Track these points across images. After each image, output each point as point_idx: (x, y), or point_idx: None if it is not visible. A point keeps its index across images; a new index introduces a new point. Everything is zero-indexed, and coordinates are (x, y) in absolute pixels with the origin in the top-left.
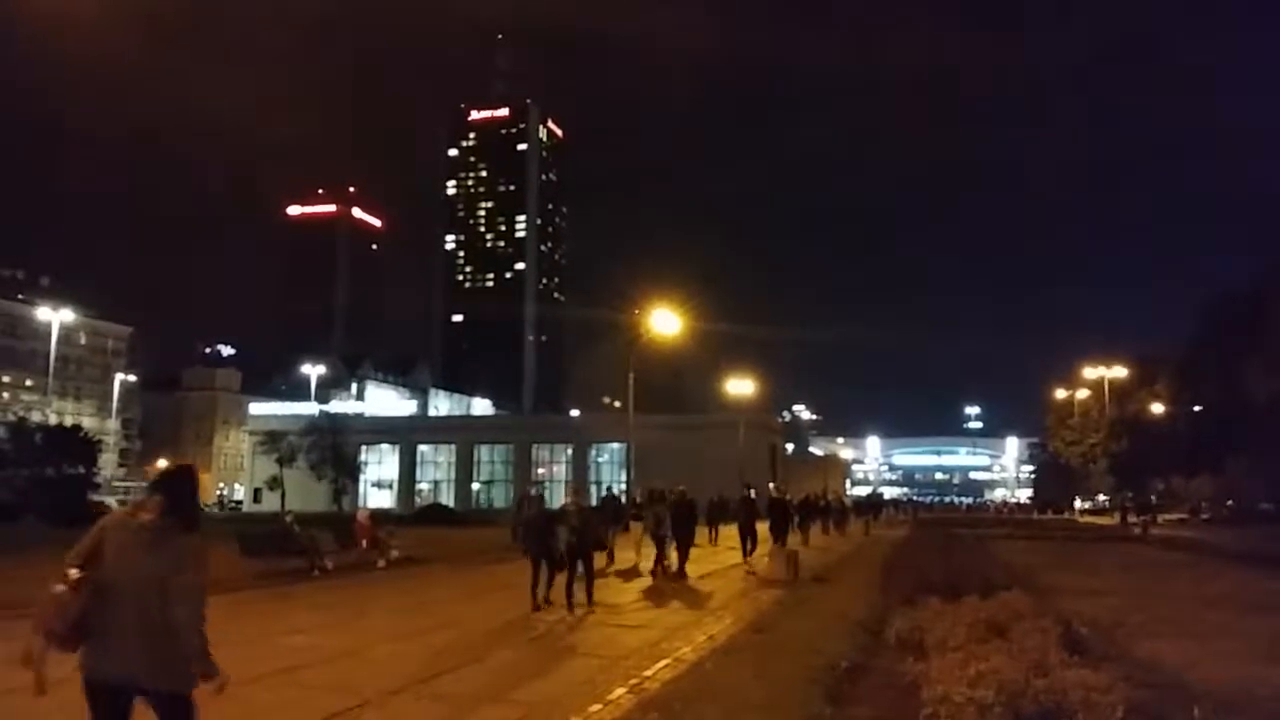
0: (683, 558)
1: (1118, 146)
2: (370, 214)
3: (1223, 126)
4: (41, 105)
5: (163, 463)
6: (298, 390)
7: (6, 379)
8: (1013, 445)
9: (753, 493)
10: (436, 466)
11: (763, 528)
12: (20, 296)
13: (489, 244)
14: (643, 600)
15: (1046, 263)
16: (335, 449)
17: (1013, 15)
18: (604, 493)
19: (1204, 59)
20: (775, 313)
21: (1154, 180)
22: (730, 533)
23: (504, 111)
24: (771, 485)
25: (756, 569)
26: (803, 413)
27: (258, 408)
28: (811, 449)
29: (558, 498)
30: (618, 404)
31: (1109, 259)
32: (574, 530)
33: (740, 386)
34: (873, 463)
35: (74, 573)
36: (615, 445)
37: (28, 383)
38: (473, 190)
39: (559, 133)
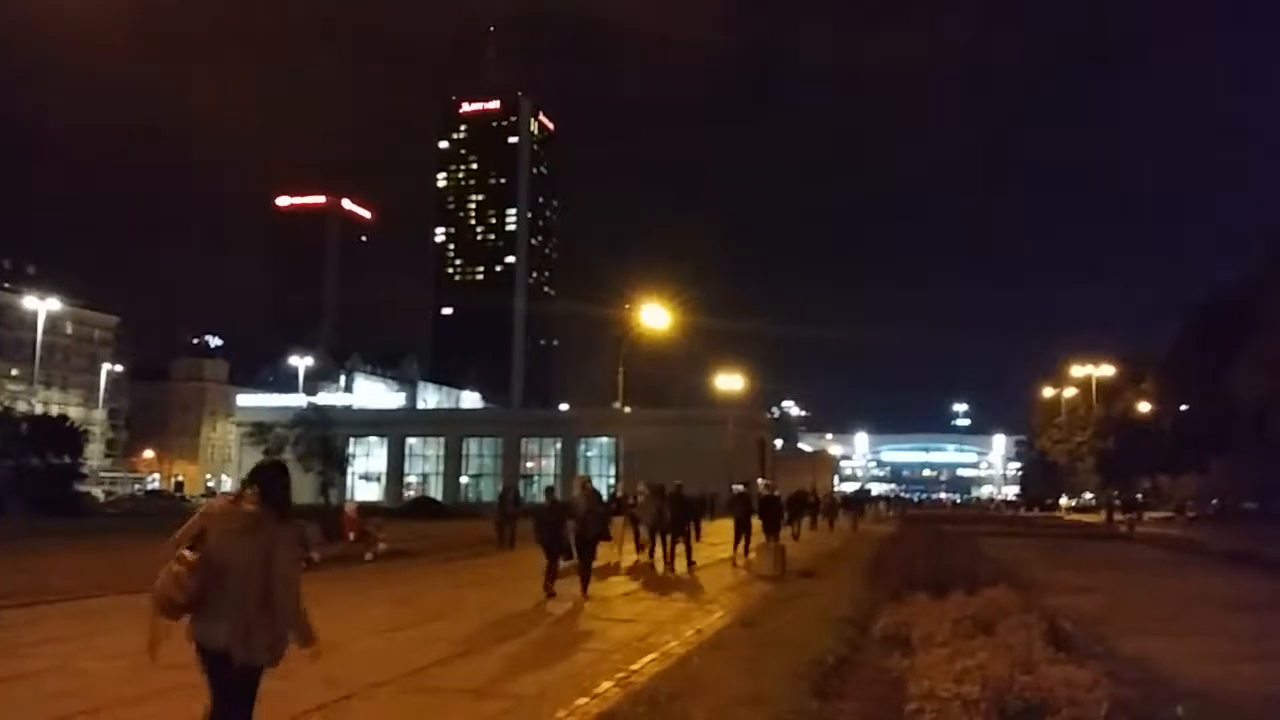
0: (686, 550)
1: (1112, 146)
2: (360, 206)
3: (1218, 126)
4: (30, 91)
5: (149, 452)
6: (286, 382)
7: None
8: (1000, 443)
9: (745, 488)
10: (425, 460)
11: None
12: (6, 285)
13: (479, 237)
14: (631, 594)
15: (1035, 261)
16: (323, 441)
17: (1013, 15)
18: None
19: (1204, 59)
20: (765, 309)
21: (1145, 180)
22: (713, 528)
23: (495, 104)
24: (761, 481)
25: (749, 564)
26: (791, 409)
27: (245, 399)
28: (800, 445)
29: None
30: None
31: (1098, 258)
32: (579, 521)
33: (729, 382)
34: (861, 459)
35: (189, 554)
36: (604, 440)
37: (13, 372)
38: (463, 183)
39: (550, 126)
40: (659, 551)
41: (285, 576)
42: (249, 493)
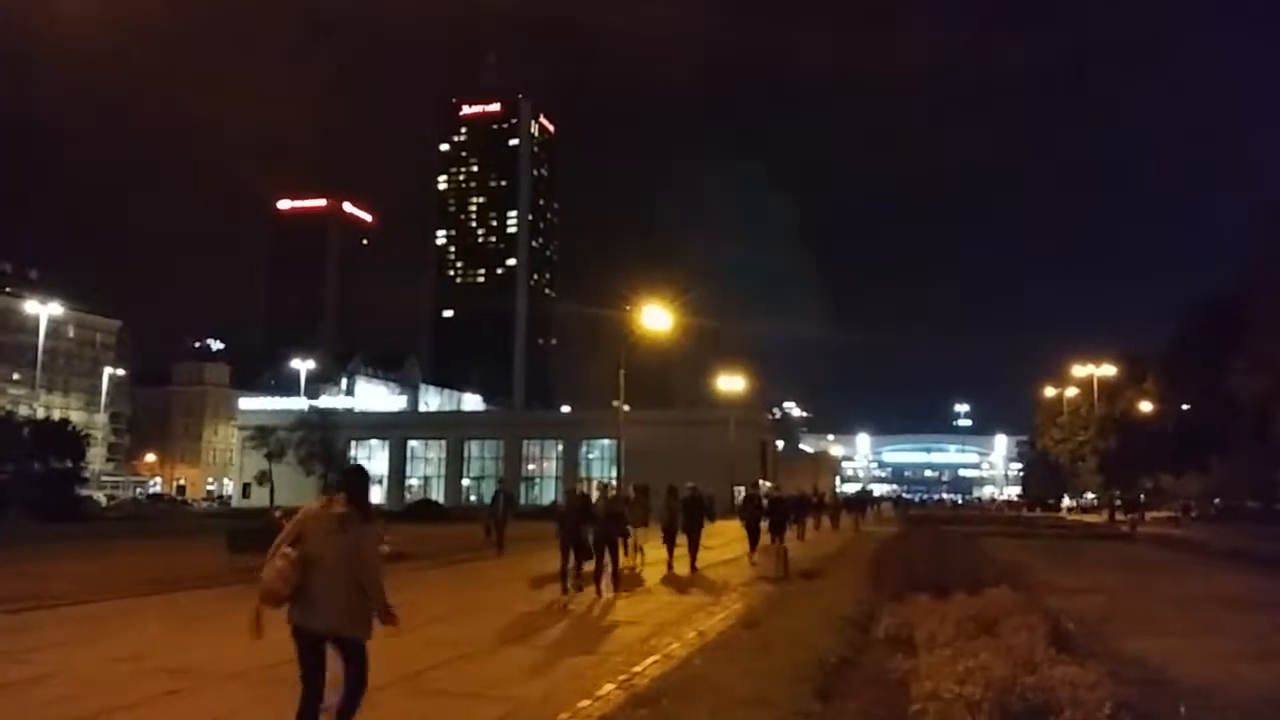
0: (693, 552)
1: (1113, 146)
2: (361, 209)
3: (1218, 126)
4: (30, 99)
5: (151, 456)
6: (287, 385)
7: None
8: (1002, 443)
9: (754, 489)
10: (427, 462)
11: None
12: (8, 289)
13: (480, 239)
14: (632, 596)
15: (1037, 261)
16: (325, 444)
17: (1013, 15)
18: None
19: (1204, 59)
20: (767, 310)
21: (1146, 180)
22: (712, 529)
23: (496, 107)
24: (764, 483)
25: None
26: (793, 410)
27: (247, 402)
28: (802, 446)
29: (548, 493)
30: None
31: (1100, 257)
32: (600, 522)
33: (731, 383)
34: (863, 460)
35: (290, 551)
36: (606, 441)
37: (15, 376)
38: (464, 185)
39: (551, 128)
40: (638, 559)
41: (370, 565)
42: (338, 496)
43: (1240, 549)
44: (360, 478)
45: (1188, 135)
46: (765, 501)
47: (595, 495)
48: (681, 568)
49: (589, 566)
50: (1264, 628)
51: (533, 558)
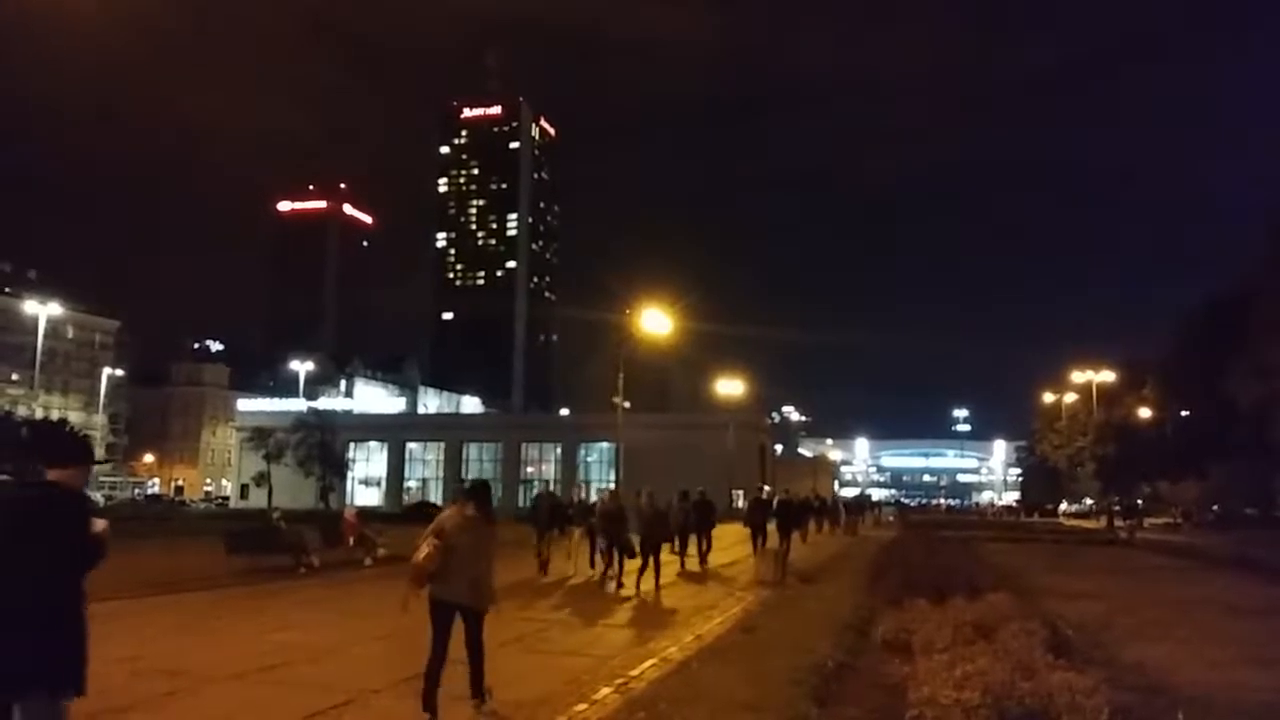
0: (701, 554)
1: (1112, 148)
2: (361, 211)
3: (1218, 129)
4: (31, 100)
5: (149, 457)
6: (286, 387)
7: None
8: (1000, 448)
9: (761, 493)
10: (425, 464)
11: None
12: (6, 289)
13: (480, 242)
14: (631, 599)
15: (1035, 266)
16: (323, 446)
17: (1013, 15)
18: (535, 492)
19: (1205, 61)
20: (767, 314)
21: (1145, 184)
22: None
23: (496, 110)
24: (763, 486)
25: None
26: (792, 414)
27: (246, 404)
28: (800, 450)
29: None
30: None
31: (1099, 262)
32: (645, 524)
33: (730, 387)
34: (861, 464)
35: (435, 541)
36: (604, 444)
37: (14, 376)
38: (464, 188)
39: (551, 131)
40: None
41: (490, 556)
42: (468, 503)
43: (1239, 555)
44: (486, 491)
45: (1187, 135)
46: (773, 504)
47: (643, 499)
48: (691, 565)
49: (631, 564)
50: (1263, 634)
51: (517, 565)
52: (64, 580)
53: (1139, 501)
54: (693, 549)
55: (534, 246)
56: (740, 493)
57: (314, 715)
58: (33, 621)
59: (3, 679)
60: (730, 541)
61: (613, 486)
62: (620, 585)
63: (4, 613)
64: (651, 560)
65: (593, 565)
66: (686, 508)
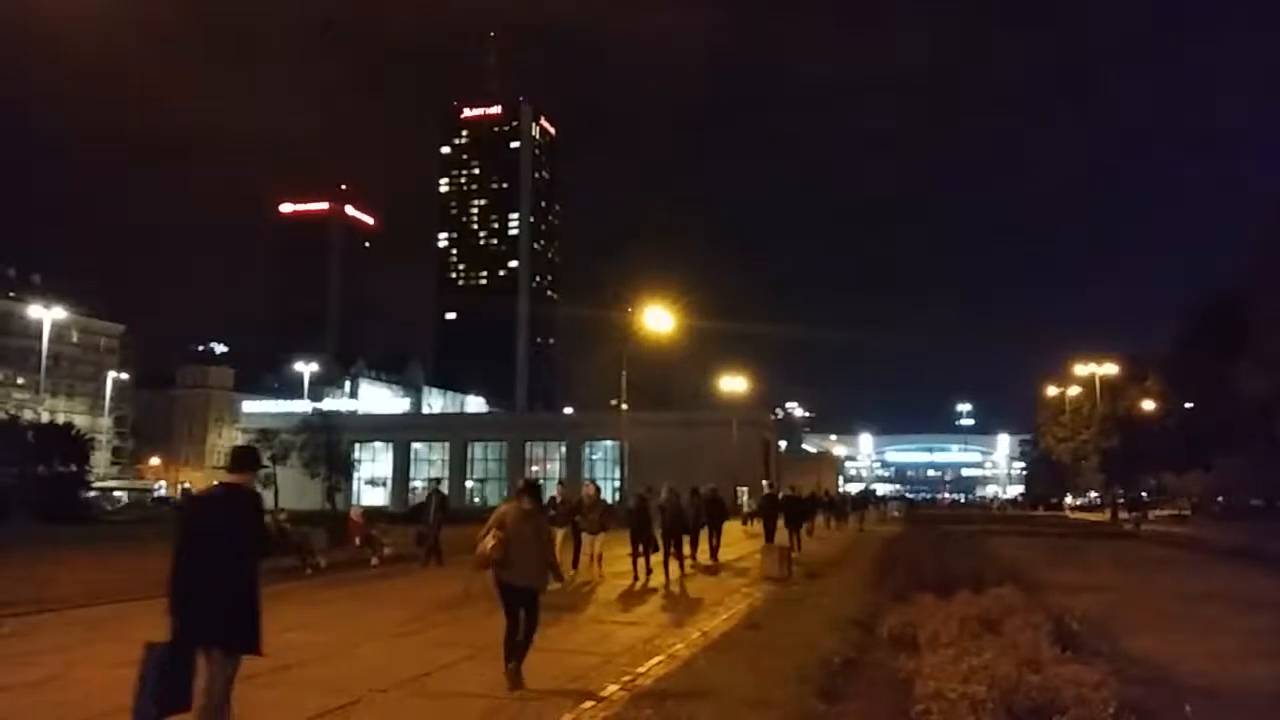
0: (712, 550)
1: (1115, 146)
2: (363, 212)
3: (1219, 126)
4: (37, 101)
5: (155, 459)
6: (291, 388)
7: None
8: (1004, 442)
9: (772, 488)
10: (430, 464)
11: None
12: (11, 294)
13: (482, 242)
14: (637, 596)
15: (1039, 260)
16: (328, 447)
17: (1013, 14)
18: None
19: (1205, 59)
20: (769, 310)
21: (1148, 178)
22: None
23: (497, 110)
24: (769, 483)
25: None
26: (796, 410)
27: (251, 405)
28: (805, 446)
29: (549, 494)
30: (612, 401)
31: (1101, 256)
32: (670, 519)
33: (734, 384)
34: (865, 460)
35: (497, 532)
36: (609, 443)
37: (19, 381)
38: (466, 188)
39: (552, 131)
40: (595, 570)
41: (547, 543)
42: (525, 499)
43: (1244, 547)
44: (537, 488)
45: (1188, 135)
46: (785, 499)
47: (663, 494)
48: (702, 558)
49: (656, 557)
50: (1269, 626)
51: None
52: (252, 560)
53: (1144, 494)
54: (704, 544)
55: (536, 246)
56: (745, 489)
57: (322, 714)
58: (233, 591)
59: (205, 633)
60: (731, 539)
61: (589, 480)
62: (650, 573)
63: (217, 581)
64: (674, 551)
65: (575, 566)
66: (698, 503)
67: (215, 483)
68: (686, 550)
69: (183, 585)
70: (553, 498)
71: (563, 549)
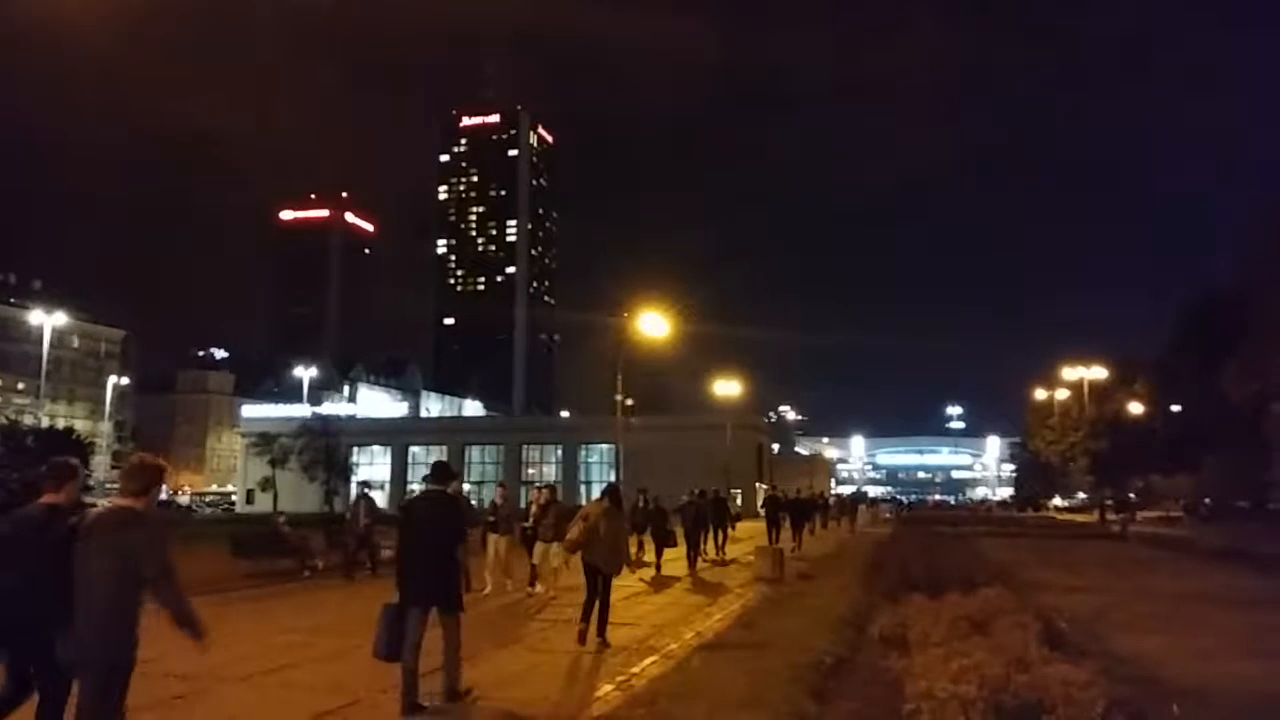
0: (721, 543)
1: (1107, 147)
2: (362, 218)
3: (1212, 128)
4: (37, 107)
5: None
6: (290, 393)
7: None
8: (994, 444)
9: (775, 490)
10: (428, 467)
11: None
12: (12, 300)
13: (480, 248)
14: (631, 597)
15: (1029, 265)
16: (327, 450)
17: (1013, 15)
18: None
19: (1202, 60)
20: (763, 315)
21: (1139, 183)
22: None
23: (495, 118)
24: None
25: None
26: (788, 413)
27: (250, 410)
28: (797, 449)
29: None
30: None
31: (1091, 261)
32: (687, 519)
33: (727, 388)
34: (857, 462)
35: (583, 524)
36: (604, 446)
37: (20, 386)
38: (464, 195)
39: (550, 139)
40: (551, 582)
41: (622, 535)
42: (605, 499)
43: (1232, 548)
44: (617, 491)
45: (1188, 135)
46: (787, 501)
47: (686, 497)
48: (707, 557)
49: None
50: (1257, 626)
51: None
52: (456, 546)
53: (1132, 496)
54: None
55: (533, 252)
56: (738, 492)
57: (322, 715)
58: (446, 569)
59: (432, 597)
60: (734, 537)
61: (547, 485)
62: (657, 569)
63: (433, 561)
64: (695, 546)
65: (532, 584)
66: (703, 505)
67: (425, 488)
68: (543, 587)
69: (407, 563)
70: (493, 502)
71: (508, 558)
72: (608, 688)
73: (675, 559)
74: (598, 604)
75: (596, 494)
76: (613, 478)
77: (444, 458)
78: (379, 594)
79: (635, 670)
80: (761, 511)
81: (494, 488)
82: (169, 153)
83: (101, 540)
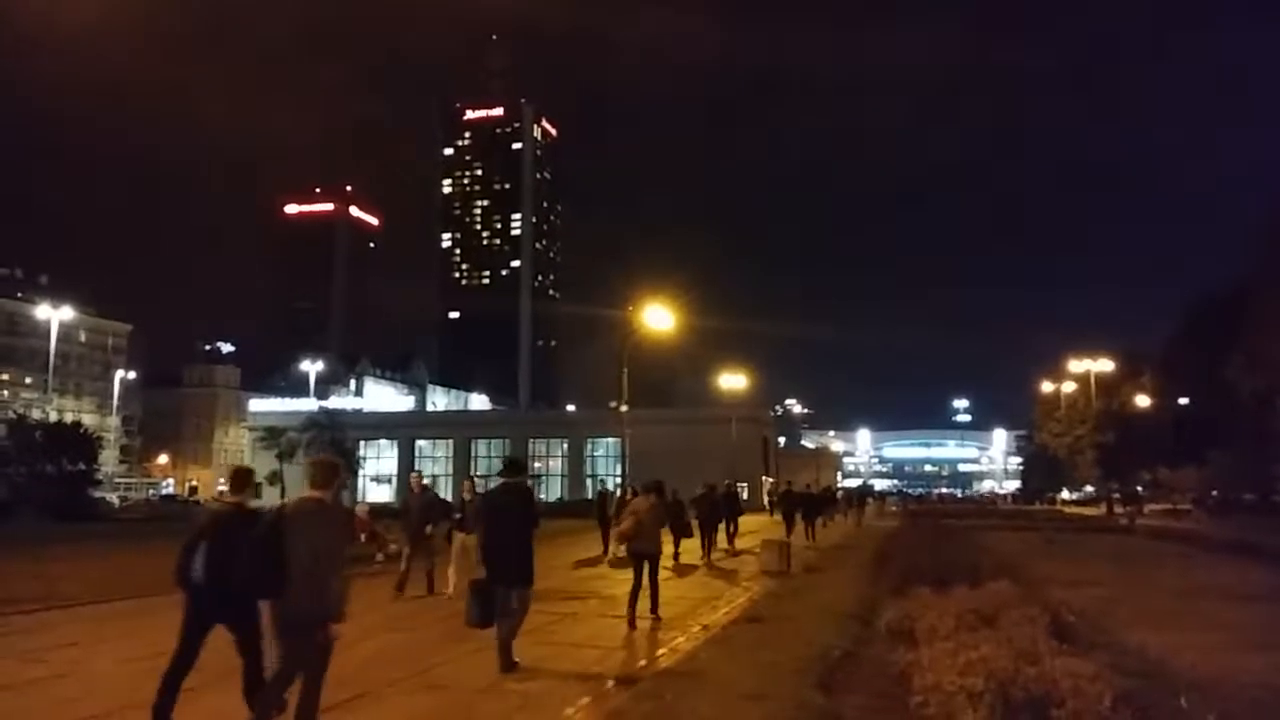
0: (729, 539)
1: (1112, 145)
2: (367, 212)
3: (1217, 125)
4: (42, 104)
5: (163, 458)
6: (297, 387)
7: (6, 376)
8: (1001, 437)
9: (791, 485)
10: (434, 461)
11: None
12: (19, 295)
13: (485, 242)
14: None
15: (1035, 258)
16: (334, 444)
17: (1013, 14)
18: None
19: (1205, 58)
20: (769, 309)
21: (1144, 177)
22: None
23: (499, 111)
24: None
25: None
26: (794, 406)
27: (257, 404)
28: (803, 442)
29: (553, 491)
30: (613, 399)
31: (1097, 254)
32: (704, 509)
33: (733, 381)
34: (863, 455)
35: (632, 517)
36: (610, 440)
37: (27, 380)
38: (468, 189)
39: (553, 132)
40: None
41: (662, 524)
42: (651, 494)
43: (1238, 541)
44: (661, 485)
45: (1188, 136)
46: (803, 495)
47: (700, 488)
48: (717, 547)
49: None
50: (1264, 620)
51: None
52: (530, 532)
53: (1139, 489)
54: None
55: (538, 245)
56: (744, 485)
57: (329, 709)
58: (522, 552)
59: (512, 577)
60: (745, 529)
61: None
62: (675, 558)
63: (511, 547)
64: (709, 537)
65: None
66: (715, 498)
67: (501, 481)
68: (444, 585)
69: (490, 546)
70: (460, 497)
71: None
72: (613, 681)
73: (688, 550)
74: (647, 585)
75: (596, 488)
76: (619, 471)
77: (449, 452)
78: (383, 588)
79: (642, 663)
80: (768, 505)
81: (462, 481)
82: (171, 147)
83: (301, 524)
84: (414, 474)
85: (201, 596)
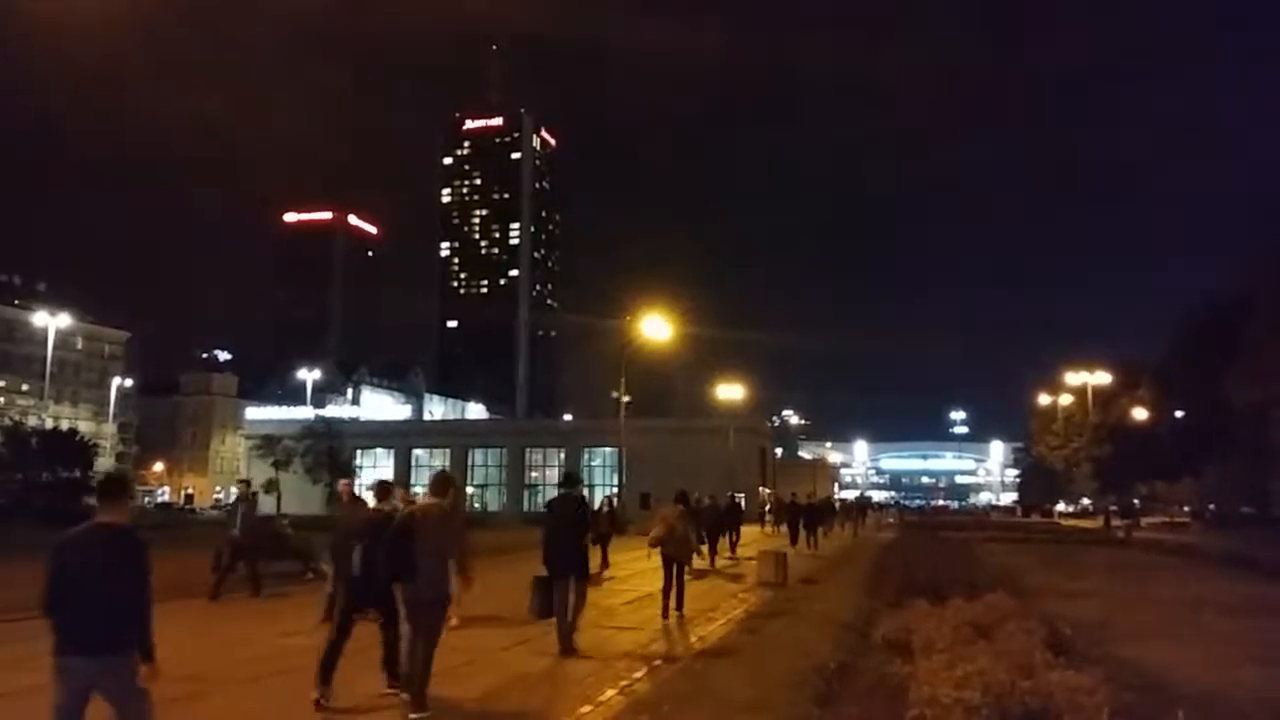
0: (734, 544)
1: (1111, 153)
2: (366, 221)
3: (1215, 131)
4: (38, 111)
5: (159, 465)
6: (294, 395)
7: (3, 384)
8: (998, 449)
9: (794, 496)
10: (431, 470)
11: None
12: (16, 302)
13: (483, 251)
14: (634, 602)
15: (1033, 270)
16: (331, 453)
17: (1013, 16)
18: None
19: (1204, 63)
20: (766, 319)
21: (1143, 188)
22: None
23: (498, 121)
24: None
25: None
26: (791, 417)
27: (254, 412)
28: (800, 453)
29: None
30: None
31: (1096, 266)
32: (705, 520)
33: (730, 391)
34: (860, 467)
35: (661, 524)
36: (608, 449)
37: (24, 387)
38: (467, 198)
39: (552, 141)
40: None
41: (690, 528)
42: (678, 503)
43: (1235, 554)
44: (687, 496)
45: (1188, 138)
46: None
47: (706, 500)
48: (718, 557)
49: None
50: (1261, 634)
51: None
52: (583, 534)
53: (1136, 501)
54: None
55: (536, 255)
56: (741, 496)
57: (327, 717)
58: (577, 552)
59: (570, 569)
60: (745, 540)
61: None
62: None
63: (567, 547)
64: (713, 546)
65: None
66: (720, 509)
67: (560, 492)
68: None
69: (552, 546)
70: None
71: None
72: (610, 692)
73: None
74: (674, 586)
75: (599, 496)
76: (616, 481)
77: (447, 461)
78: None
79: (639, 675)
80: (766, 516)
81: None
82: (172, 155)
83: (428, 525)
84: (343, 482)
85: (359, 587)
